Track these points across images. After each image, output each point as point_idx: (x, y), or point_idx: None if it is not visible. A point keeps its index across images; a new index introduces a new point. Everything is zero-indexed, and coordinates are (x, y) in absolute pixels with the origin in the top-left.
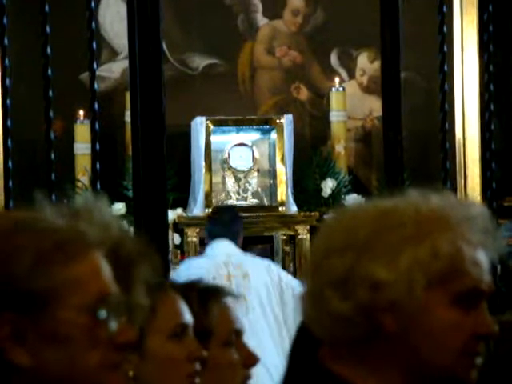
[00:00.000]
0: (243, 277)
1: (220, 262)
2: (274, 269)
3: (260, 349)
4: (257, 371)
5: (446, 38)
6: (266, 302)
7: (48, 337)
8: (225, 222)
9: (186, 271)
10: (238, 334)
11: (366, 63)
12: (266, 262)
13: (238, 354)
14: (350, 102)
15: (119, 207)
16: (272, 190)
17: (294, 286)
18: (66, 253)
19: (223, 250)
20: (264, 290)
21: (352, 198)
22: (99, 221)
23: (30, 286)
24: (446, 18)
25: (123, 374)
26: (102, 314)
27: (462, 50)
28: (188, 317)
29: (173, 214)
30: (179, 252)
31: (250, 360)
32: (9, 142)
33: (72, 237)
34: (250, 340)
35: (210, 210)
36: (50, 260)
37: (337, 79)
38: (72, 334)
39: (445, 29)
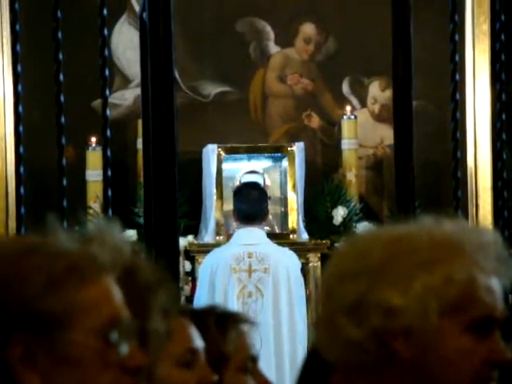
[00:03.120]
0: (264, 270)
1: (244, 254)
2: (294, 268)
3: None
4: None
5: (458, 67)
6: (282, 299)
7: (59, 359)
8: (252, 200)
9: (209, 260)
10: (254, 360)
11: (378, 91)
12: (288, 261)
13: (253, 381)
14: (362, 130)
15: (130, 234)
16: (283, 218)
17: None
18: (78, 276)
19: (250, 239)
20: (282, 286)
21: (363, 226)
22: (111, 245)
23: (42, 307)
24: (457, 47)
25: None
26: (113, 337)
27: (474, 79)
28: (198, 342)
29: (184, 241)
30: (190, 279)
31: None
32: (21, 169)
33: (84, 261)
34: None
35: (235, 188)
36: (62, 283)
37: (348, 107)
38: (83, 357)
39: (457, 57)
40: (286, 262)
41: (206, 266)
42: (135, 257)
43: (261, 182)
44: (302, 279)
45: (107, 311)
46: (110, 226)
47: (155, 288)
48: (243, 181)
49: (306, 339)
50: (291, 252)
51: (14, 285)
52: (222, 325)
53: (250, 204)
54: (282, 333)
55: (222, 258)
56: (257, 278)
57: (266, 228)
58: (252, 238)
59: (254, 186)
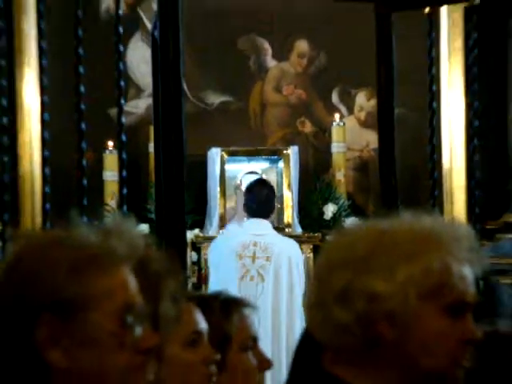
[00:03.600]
0: (266, 259)
1: (250, 242)
2: (296, 256)
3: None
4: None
5: (435, 79)
6: (282, 285)
7: (80, 339)
8: (262, 200)
9: (219, 243)
10: (255, 340)
11: (364, 101)
12: (291, 250)
13: (254, 359)
14: (349, 135)
15: (143, 228)
16: (279, 213)
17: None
18: (98, 266)
19: (257, 230)
20: (283, 273)
21: (351, 221)
22: (128, 239)
23: (66, 293)
24: (434, 61)
25: (146, 376)
26: (128, 320)
27: (449, 89)
28: (203, 324)
29: (191, 234)
30: (196, 268)
31: (265, 364)
32: (46, 170)
33: (104, 252)
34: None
35: (248, 185)
36: (84, 271)
37: (337, 115)
38: (101, 338)
39: (433, 70)
40: (289, 251)
41: (215, 251)
42: (148, 249)
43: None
44: (301, 266)
45: (123, 297)
46: (127, 222)
47: (165, 276)
48: (244, 180)
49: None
50: (294, 242)
51: (42, 273)
52: (226, 309)
53: (261, 200)
54: (280, 315)
55: (230, 245)
56: (259, 264)
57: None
58: (259, 228)
59: (265, 184)
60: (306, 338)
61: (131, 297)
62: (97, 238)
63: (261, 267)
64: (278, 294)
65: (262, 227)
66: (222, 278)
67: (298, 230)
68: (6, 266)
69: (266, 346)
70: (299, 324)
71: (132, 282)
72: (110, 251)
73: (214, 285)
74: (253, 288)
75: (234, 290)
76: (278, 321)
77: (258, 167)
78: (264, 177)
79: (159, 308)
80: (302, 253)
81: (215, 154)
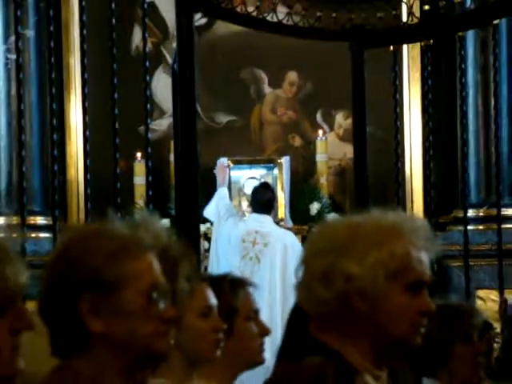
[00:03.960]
0: (264, 245)
1: (253, 229)
2: (291, 243)
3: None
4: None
5: (398, 103)
6: (276, 266)
7: (115, 311)
8: (264, 203)
9: (232, 228)
10: (256, 312)
11: (342, 120)
12: (287, 238)
13: (256, 327)
14: (331, 148)
15: (165, 222)
16: (274, 210)
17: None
18: (129, 253)
19: (260, 222)
20: (277, 258)
21: (332, 216)
22: (153, 231)
23: (104, 275)
24: (398, 88)
25: (168, 341)
26: (154, 296)
27: (410, 111)
28: (213, 300)
29: (203, 227)
30: (207, 254)
31: (264, 331)
32: (88, 176)
33: (134, 241)
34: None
35: (254, 188)
36: (118, 257)
37: (321, 131)
38: (133, 310)
39: (397, 96)
40: (285, 239)
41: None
42: (170, 239)
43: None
44: (298, 250)
45: (150, 278)
46: (152, 217)
47: (181, 260)
48: (246, 184)
49: None
50: (290, 232)
51: (84, 259)
52: (234, 286)
53: (263, 200)
54: (275, 291)
55: (237, 231)
56: (258, 248)
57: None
58: (262, 221)
59: (267, 187)
60: (296, 311)
61: (156, 277)
62: (127, 229)
63: (259, 251)
64: (272, 273)
65: (264, 220)
66: (229, 257)
67: (289, 224)
68: (56, 253)
69: (263, 314)
70: (292, 298)
71: (157, 266)
72: (138, 240)
73: (223, 259)
74: (250, 266)
75: (236, 266)
76: (273, 294)
77: (258, 173)
78: (262, 181)
79: (177, 286)
80: None
81: (223, 163)
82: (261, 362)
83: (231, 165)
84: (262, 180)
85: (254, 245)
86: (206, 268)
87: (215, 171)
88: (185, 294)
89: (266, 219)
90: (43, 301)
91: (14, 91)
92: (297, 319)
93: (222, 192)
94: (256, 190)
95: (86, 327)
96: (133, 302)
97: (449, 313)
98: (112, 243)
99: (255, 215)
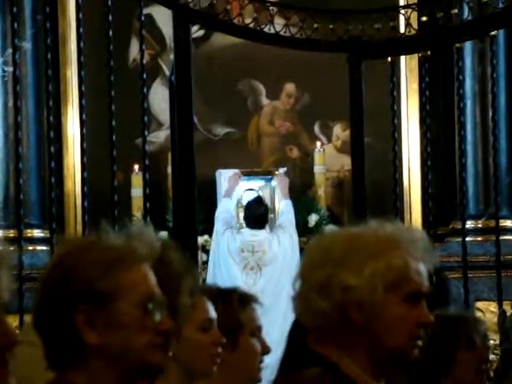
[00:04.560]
0: (263, 252)
1: (249, 240)
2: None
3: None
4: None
5: (396, 114)
6: (277, 272)
7: (111, 323)
8: (257, 218)
9: (230, 241)
10: (260, 329)
11: (340, 131)
12: (282, 244)
13: (258, 344)
14: (328, 159)
15: (163, 234)
16: (273, 222)
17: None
18: (124, 264)
19: (255, 235)
20: (276, 263)
21: (329, 228)
22: (146, 241)
23: (99, 286)
24: (395, 100)
25: (164, 353)
26: (150, 307)
27: (408, 123)
28: (213, 313)
29: (201, 239)
30: (205, 266)
31: (265, 349)
32: (85, 188)
33: (128, 252)
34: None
35: (247, 203)
36: (113, 269)
37: (318, 143)
38: (128, 322)
39: (395, 107)
40: (283, 245)
41: (224, 243)
42: (170, 252)
43: (257, 195)
44: (297, 257)
45: (145, 289)
46: (146, 228)
47: (184, 275)
48: (244, 196)
49: None
50: (287, 240)
51: (79, 270)
52: (242, 301)
53: (257, 217)
54: (280, 296)
55: (233, 243)
56: (258, 256)
57: None
58: (257, 235)
59: (261, 203)
60: (296, 324)
61: (151, 288)
62: (121, 240)
63: (259, 259)
64: (273, 280)
65: (258, 234)
66: (229, 269)
67: None
68: (50, 265)
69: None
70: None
71: (151, 276)
72: (133, 251)
73: (224, 271)
74: (253, 276)
75: (237, 277)
76: (277, 300)
77: (256, 185)
78: (260, 193)
79: (179, 300)
80: None
81: (221, 175)
82: (258, 380)
83: (242, 176)
84: (260, 192)
85: (254, 253)
86: (204, 280)
87: (227, 181)
88: (186, 309)
89: (261, 233)
90: (38, 313)
91: (11, 103)
92: (297, 331)
93: (226, 204)
94: (249, 206)
95: (81, 339)
96: (128, 313)
97: (452, 320)
98: (106, 254)
99: (249, 230)
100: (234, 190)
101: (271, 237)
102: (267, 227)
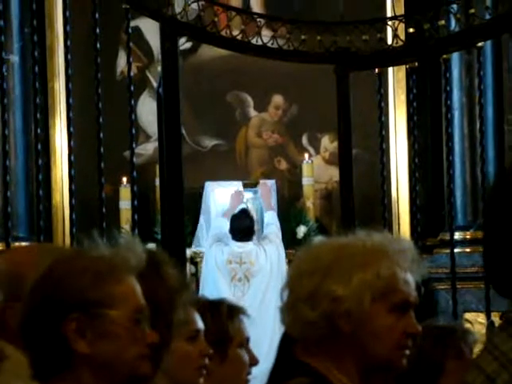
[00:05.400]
0: (250, 263)
1: (238, 252)
2: (270, 258)
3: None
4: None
5: (384, 125)
6: (264, 282)
7: (101, 333)
8: (243, 230)
9: (217, 254)
10: (247, 340)
11: (328, 143)
12: (269, 255)
13: (246, 355)
14: (317, 171)
15: (151, 246)
16: (261, 233)
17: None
18: (115, 274)
19: (242, 246)
20: (263, 274)
21: (318, 240)
22: (135, 253)
23: (91, 296)
24: (383, 111)
25: (152, 365)
26: (139, 319)
27: (396, 134)
28: (201, 324)
29: (189, 251)
30: (194, 279)
31: (253, 361)
32: (73, 201)
33: (120, 262)
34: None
35: (232, 215)
36: (104, 279)
37: (306, 155)
38: (118, 332)
39: (383, 118)
40: (269, 256)
41: (211, 260)
42: (167, 266)
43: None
44: (283, 268)
45: (135, 301)
46: (133, 240)
47: (182, 290)
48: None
49: None
50: (273, 251)
51: (70, 279)
52: (231, 312)
53: (243, 228)
54: (269, 307)
55: (221, 255)
56: (245, 268)
57: None
58: (244, 247)
59: (246, 215)
60: (285, 335)
61: (140, 300)
62: (110, 251)
63: (246, 270)
64: (261, 291)
65: (245, 246)
66: (216, 281)
67: None
68: (39, 275)
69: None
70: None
71: (138, 289)
72: (123, 262)
73: (210, 283)
74: (241, 287)
75: (224, 290)
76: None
77: (245, 197)
78: (249, 205)
79: (174, 315)
80: None
81: (209, 187)
82: None
83: (244, 195)
84: (249, 204)
85: (241, 264)
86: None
87: (230, 198)
88: (180, 323)
89: (247, 244)
90: (26, 322)
91: None
92: (286, 342)
93: (220, 222)
94: (234, 218)
95: (70, 348)
96: (119, 323)
97: (440, 330)
98: (97, 264)
99: (235, 243)
100: (236, 209)
101: (258, 248)
102: (254, 238)
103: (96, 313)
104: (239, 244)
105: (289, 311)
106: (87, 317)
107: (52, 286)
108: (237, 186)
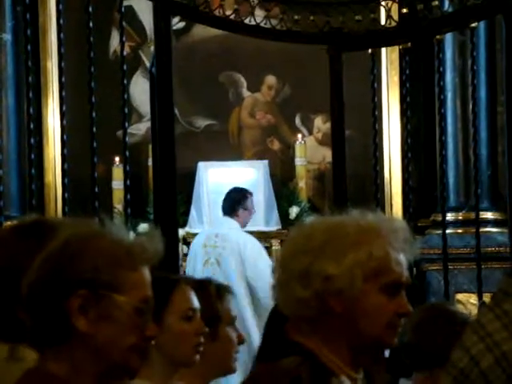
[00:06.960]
0: (223, 248)
1: (213, 234)
2: (247, 246)
3: None
4: None
5: (377, 106)
6: (234, 269)
7: (104, 315)
8: (231, 202)
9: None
10: (234, 319)
11: (321, 124)
12: (244, 241)
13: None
14: (309, 151)
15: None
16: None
17: (253, 261)
18: (132, 261)
19: (222, 224)
20: (234, 260)
21: (311, 219)
22: (154, 243)
23: (104, 277)
24: (376, 92)
25: (141, 359)
26: (143, 310)
27: (388, 115)
28: (196, 303)
29: (182, 231)
30: (187, 258)
31: (241, 339)
32: (66, 180)
33: (138, 250)
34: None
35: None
36: (120, 264)
37: (299, 135)
38: (121, 318)
39: (376, 99)
40: (243, 241)
41: (193, 243)
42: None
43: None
44: (259, 250)
45: (144, 291)
46: (156, 233)
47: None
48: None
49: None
50: (249, 236)
51: (85, 257)
52: (219, 292)
53: (227, 202)
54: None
55: (199, 237)
56: (218, 252)
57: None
58: (225, 224)
59: (235, 190)
60: (274, 312)
61: (148, 292)
62: (131, 238)
63: (219, 255)
64: (230, 276)
65: (227, 223)
66: (191, 264)
67: (267, 227)
68: (55, 246)
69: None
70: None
71: (149, 280)
72: (141, 251)
73: (189, 267)
74: (211, 271)
75: (198, 271)
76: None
77: (244, 176)
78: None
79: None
80: (272, 246)
81: (202, 167)
82: (234, 370)
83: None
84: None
85: (215, 248)
86: (184, 272)
87: (241, 215)
88: None
89: (228, 221)
90: (33, 290)
91: None
92: (275, 320)
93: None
94: (231, 190)
95: (70, 324)
96: (124, 310)
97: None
98: (115, 247)
99: (222, 218)
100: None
101: (235, 233)
102: (248, 238)
103: (104, 294)
104: (221, 221)
105: (281, 289)
106: (94, 296)
107: (66, 260)
108: (230, 166)
